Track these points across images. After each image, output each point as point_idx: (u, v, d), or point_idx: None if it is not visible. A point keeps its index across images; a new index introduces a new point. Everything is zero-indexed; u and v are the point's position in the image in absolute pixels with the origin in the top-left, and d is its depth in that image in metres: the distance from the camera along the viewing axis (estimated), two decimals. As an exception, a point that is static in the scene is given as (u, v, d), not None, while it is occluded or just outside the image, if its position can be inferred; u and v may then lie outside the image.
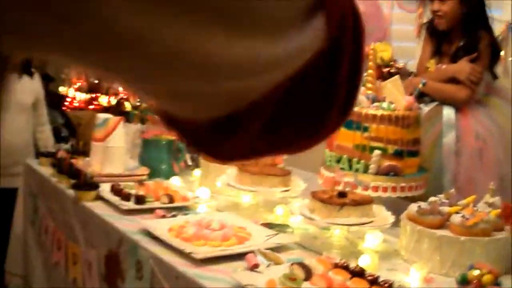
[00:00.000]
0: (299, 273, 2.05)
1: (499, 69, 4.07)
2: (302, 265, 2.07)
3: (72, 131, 5.59)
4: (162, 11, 0.43)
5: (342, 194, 2.40)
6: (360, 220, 2.35)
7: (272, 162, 2.94)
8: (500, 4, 4.20)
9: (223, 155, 0.65)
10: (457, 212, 2.30)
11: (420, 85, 2.92)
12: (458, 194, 2.54)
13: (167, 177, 3.22)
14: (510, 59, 4.15)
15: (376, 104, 2.81)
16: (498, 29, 4.11)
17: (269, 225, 2.60)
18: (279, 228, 2.58)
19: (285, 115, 0.59)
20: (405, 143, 2.76)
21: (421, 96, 3.19)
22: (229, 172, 2.93)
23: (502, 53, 4.03)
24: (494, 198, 2.42)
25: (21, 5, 0.43)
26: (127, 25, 0.43)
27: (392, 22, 4.70)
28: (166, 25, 0.44)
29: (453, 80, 3.38)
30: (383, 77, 3.14)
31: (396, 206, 2.53)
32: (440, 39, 3.55)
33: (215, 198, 2.97)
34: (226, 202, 2.95)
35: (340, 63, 0.58)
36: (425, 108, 3.29)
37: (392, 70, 3.43)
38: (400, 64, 3.67)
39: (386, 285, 1.95)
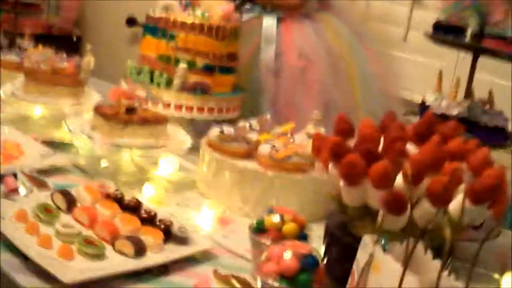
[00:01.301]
0: (60, 203, 1.67)
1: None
2: (64, 193, 1.70)
3: None
4: None
5: (130, 111, 2.00)
6: (148, 142, 1.98)
7: (63, 70, 2.51)
8: None
9: None
10: (267, 141, 1.95)
11: (242, -6, 2.54)
12: (276, 121, 2.19)
13: None
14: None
15: (189, 11, 2.43)
16: None
17: (50, 143, 2.22)
18: (61, 147, 2.21)
19: None
20: (218, 57, 2.42)
21: (243, 4, 2.79)
22: (17, 80, 2.51)
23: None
24: (318, 128, 2.10)
25: None
26: None
27: None
28: None
29: None
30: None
31: (206, 130, 2.14)
32: None
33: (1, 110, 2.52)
34: (13, 115, 2.50)
35: None
36: (245, 17, 2.87)
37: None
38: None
39: (162, 226, 1.58)
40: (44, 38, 3.25)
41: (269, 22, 2.89)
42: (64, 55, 2.66)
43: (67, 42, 5.13)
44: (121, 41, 5.01)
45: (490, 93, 2.72)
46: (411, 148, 1.48)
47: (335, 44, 2.92)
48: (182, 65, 2.34)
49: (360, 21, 3.31)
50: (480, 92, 2.78)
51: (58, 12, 5.40)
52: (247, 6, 2.89)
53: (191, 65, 2.37)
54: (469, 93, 2.78)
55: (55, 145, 2.22)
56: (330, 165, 1.44)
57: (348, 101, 2.83)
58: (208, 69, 2.40)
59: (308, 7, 2.97)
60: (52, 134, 2.33)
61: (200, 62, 2.38)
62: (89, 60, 2.77)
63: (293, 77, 2.81)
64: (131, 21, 4.96)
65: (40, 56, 2.62)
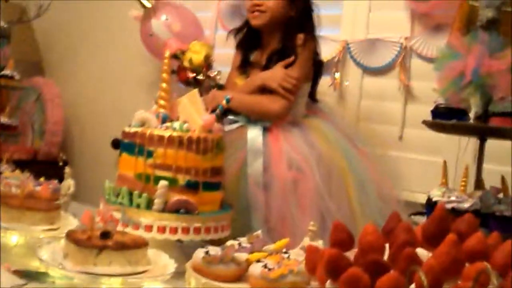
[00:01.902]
0: None
1: (335, 94, 3.68)
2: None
3: None
4: None
5: (105, 235, 1.83)
6: (126, 269, 1.81)
7: (37, 194, 2.38)
8: (337, 23, 3.81)
9: None
10: (258, 261, 1.80)
11: (224, 102, 2.39)
12: (270, 238, 2.12)
13: None
14: (346, 83, 3.71)
15: (166, 124, 2.30)
16: (334, 49, 3.74)
17: (23, 273, 2.05)
18: (35, 277, 2.02)
19: None
20: (201, 173, 2.25)
21: (225, 114, 2.66)
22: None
23: (337, 75, 3.63)
24: (316, 241, 1.94)
25: None
26: None
27: (216, 44, 4.21)
28: None
29: (266, 92, 2.88)
30: (188, 82, 2.65)
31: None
32: (250, 47, 3.05)
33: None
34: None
35: None
36: (229, 128, 2.74)
37: (200, 77, 2.96)
38: (213, 72, 3.19)
39: None
40: (29, 163, 3.13)
41: (254, 133, 2.77)
42: (42, 179, 2.54)
43: (53, 168, 5.05)
44: (107, 164, 4.90)
45: (503, 179, 2.52)
46: (422, 253, 1.30)
47: (325, 150, 2.83)
48: (163, 183, 2.18)
49: (350, 123, 3.24)
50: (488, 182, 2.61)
51: (42, 137, 5.32)
52: (230, 116, 2.77)
53: (172, 183, 2.21)
54: (479, 182, 2.59)
55: (29, 275, 2.05)
56: (328, 283, 1.25)
57: (344, 209, 2.70)
58: (191, 186, 2.23)
59: (294, 114, 2.86)
60: (27, 263, 2.16)
61: (182, 179, 2.22)
62: (68, 183, 2.67)
63: (284, 190, 2.70)
64: (116, 143, 4.87)
65: (13, 180, 2.51)
